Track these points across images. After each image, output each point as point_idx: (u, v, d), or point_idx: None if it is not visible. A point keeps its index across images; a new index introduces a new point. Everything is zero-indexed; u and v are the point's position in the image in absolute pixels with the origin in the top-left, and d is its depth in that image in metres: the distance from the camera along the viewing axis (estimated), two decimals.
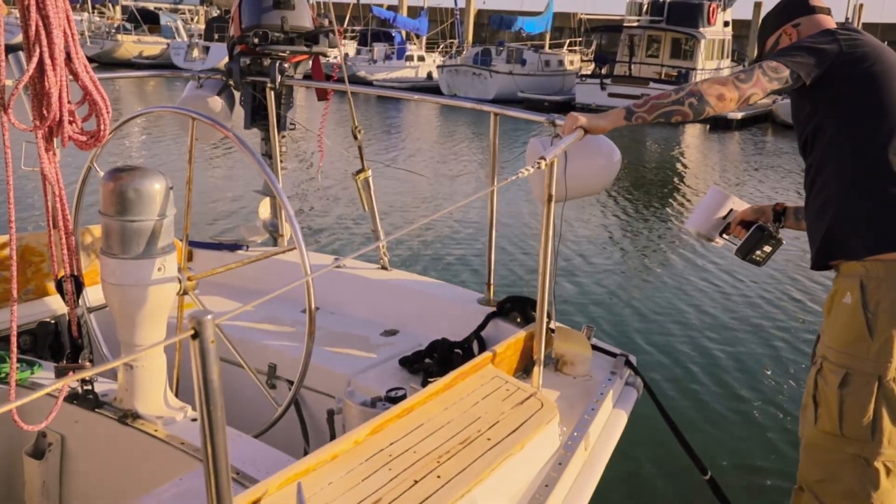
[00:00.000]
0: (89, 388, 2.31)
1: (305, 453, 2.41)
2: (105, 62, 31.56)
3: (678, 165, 16.93)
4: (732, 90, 2.25)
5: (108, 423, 2.25)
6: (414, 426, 1.97)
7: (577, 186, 2.52)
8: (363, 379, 2.79)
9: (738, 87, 2.25)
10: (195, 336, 1.02)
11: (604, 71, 27.16)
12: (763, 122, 24.43)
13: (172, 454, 2.14)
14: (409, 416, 2.01)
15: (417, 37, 36.03)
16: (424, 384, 2.60)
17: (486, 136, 3.04)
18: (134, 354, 2.19)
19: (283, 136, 3.76)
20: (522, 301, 3.01)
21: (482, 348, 2.87)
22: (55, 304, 3.05)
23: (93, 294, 2.96)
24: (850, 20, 24.65)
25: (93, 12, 38.19)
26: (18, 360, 2.34)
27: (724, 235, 2.85)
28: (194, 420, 2.28)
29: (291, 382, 2.61)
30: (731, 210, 2.83)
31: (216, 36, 31.29)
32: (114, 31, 35.76)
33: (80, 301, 2.31)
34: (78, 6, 36.07)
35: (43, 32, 1.86)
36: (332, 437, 2.67)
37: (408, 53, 33.48)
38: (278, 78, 3.52)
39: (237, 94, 3.76)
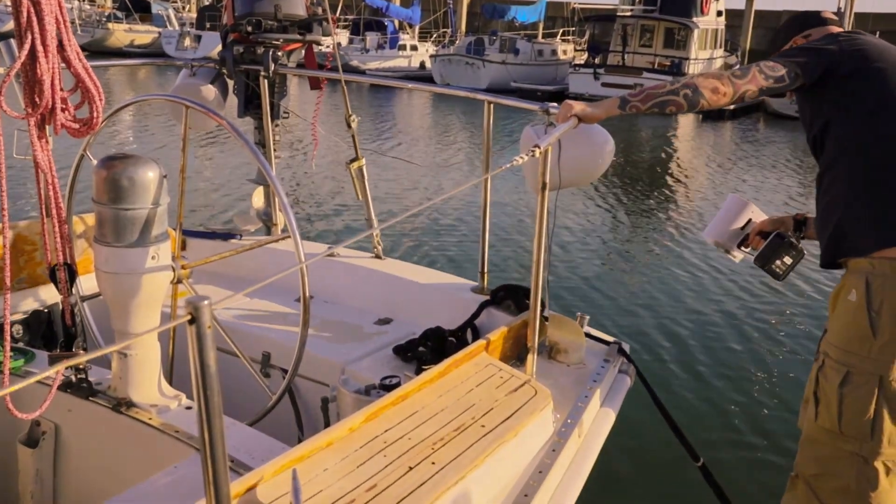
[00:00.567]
0: (83, 376, 2.31)
1: (299, 441, 2.42)
2: (95, 51, 31.35)
3: (671, 155, 16.96)
4: (727, 85, 2.26)
5: (102, 411, 2.25)
6: (408, 413, 1.98)
7: (571, 175, 2.52)
8: (357, 367, 2.79)
9: (732, 83, 2.27)
10: (192, 321, 1.02)
11: (597, 60, 27.14)
12: (755, 113, 24.47)
13: (167, 442, 2.14)
14: (403, 403, 2.02)
15: (410, 26, 35.90)
16: (418, 372, 2.61)
17: (480, 125, 3.03)
18: (128, 341, 2.19)
19: (277, 125, 3.75)
20: (516, 289, 3.01)
21: (476, 337, 2.88)
22: (48, 293, 3.04)
23: (86, 283, 2.95)
24: (841, 10, 24.65)
25: (83, 0, 37.94)
26: (11, 350, 2.34)
27: (743, 248, 2.79)
28: (189, 408, 2.28)
29: (286, 371, 2.62)
30: (750, 221, 2.77)
31: (208, 25, 31.10)
32: (104, 19, 35.55)
33: (73, 290, 2.30)
34: None
35: (35, 19, 1.85)
36: (327, 425, 2.68)
37: (400, 43, 33.39)
38: (272, 66, 3.51)
39: (230, 83, 3.74)
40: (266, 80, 3.57)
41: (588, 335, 2.80)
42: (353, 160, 3.53)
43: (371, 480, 1.70)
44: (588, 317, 2.84)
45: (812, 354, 2.47)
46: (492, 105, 2.95)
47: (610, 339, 2.88)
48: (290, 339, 2.71)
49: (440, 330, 2.91)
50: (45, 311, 3.03)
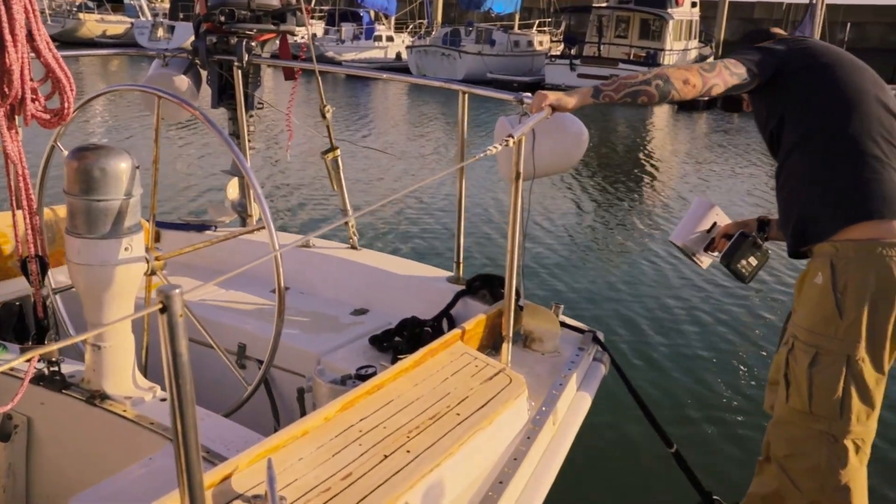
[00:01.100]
0: (56, 369, 2.29)
1: (275, 432, 2.42)
2: (66, 41, 30.89)
3: (646, 146, 17.06)
4: (697, 77, 2.34)
5: (75, 404, 2.24)
6: (384, 402, 1.99)
7: (545, 164, 2.54)
8: (333, 358, 2.80)
9: (702, 76, 2.35)
10: (163, 310, 1.02)
11: (573, 52, 27.19)
12: None
13: (142, 434, 2.13)
14: (379, 392, 2.03)
15: (386, 17, 35.71)
16: (394, 362, 2.62)
17: (455, 116, 3.04)
18: (99, 329, 2.17)
19: (251, 116, 3.73)
20: (491, 279, 3.03)
21: (451, 326, 2.89)
22: (19, 286, 3.01)
23: (58, 276, 2.92)
24: (813, 1, 24.89)
25: None
26: None
27: (710, 252, 2.85)
28: (163, 400, 2.28)
29: (261, 362, 2.61)
30: (715, 224, 2.84)
31: (181, 15, 30.74)
32: (75, 9, 35.01)
33: (45, 282, 2.28)
34: None
35: (3, 8, 1.83)
36: (303, 415, 2.68)
37: (376, 34, 33.21)
38: (245, 56, 3.49)
39: (203, 73, 3.71)
40: (240, 71, 3.55)
41: (563, 324, 2.82)
42: (328, 150, 3.52)
43: (346, 469, 1.70)
44: (563, 306, 2.87)
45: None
46: (466, 95, 2.95)
47: (584, 327, 2.91)
48: (265, 330, 2.71)
49: (416, 320, 2.92)
50: (17, 303, 3.00)
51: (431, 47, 28.97)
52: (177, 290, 1.03)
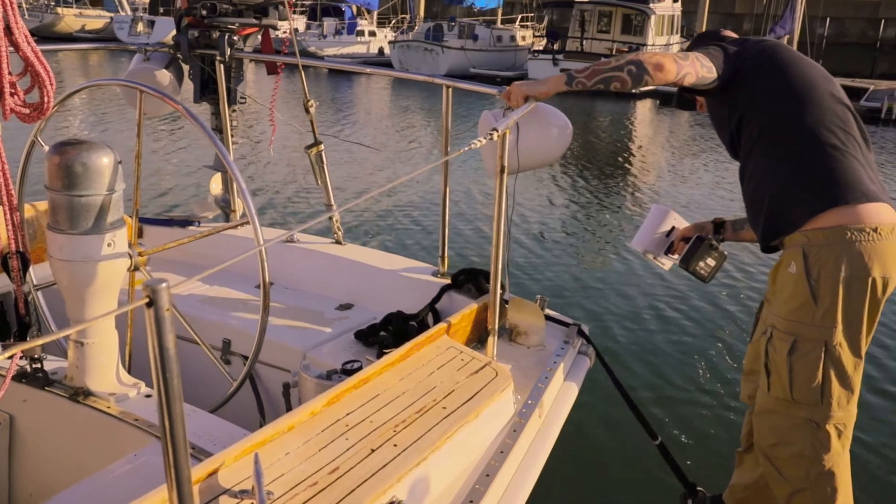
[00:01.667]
0: (38, 366, 2.27)
1: (261, 427, 2.41)
2: (45, 36, 30.53)
3: (630, 139, 17.13)
4: (672, 63, 2.35)
5: (58, 401, 2.22)
6: (370, 396, 1.99)
7: (529, 158, 2.54)
8: (318, 353, 2.79)
9: (676, 62, 2.36)
10: (150, 304, 1.02)
11: (556, 46, 27.23)
12: None
13: (126, 431, 2.12)
14: (365, 386, 2.03)
15: (368, 12, 35.59)
16: (380, 357, 2.61)
17: (439, 110, 3.04)
18: (84, 325, 2.16)
19: (234, 111, 3.70)
20: (476, 273, 3.03)
21: (437, 320, 2.89)
22: (0, 282, 2.98)
23: (39, 272, 2.90)
24: None
25: None
26: None
27: (670, 255, 2.92)
28: (148, 396, 2.26)
29: (246, 358, 2.60)
30: (674, 228, 2.92)
31: (161, 10, 30.50)
32: (53, 3, 34.62)
33: (26, 278, 2.26)
34: None
35: None
36: (288, 410, 2.67)
37: (358, 28, 33.09)
38: (228, 51, 3.46)
39: (185, 68, 3.69)
40: (222, 65, 3.52)
41: (548, 317, 2.83)
42: (311, 145, 3.50)
43: (333, 463, 1.70)
44: (548, 299, 2.87)
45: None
46: (450, 89, 2.95)
47: (569, 320, 2.92)
48: (250, 326, 2.70)
49: (401, 314, 2.92)
50: None
51: (414, 42, 28.93)
52: (163, 284, 1.03)
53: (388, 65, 27.99)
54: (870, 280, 2.21)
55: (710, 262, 2.78)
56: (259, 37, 3.77)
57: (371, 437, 1.82)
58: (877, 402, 4.70)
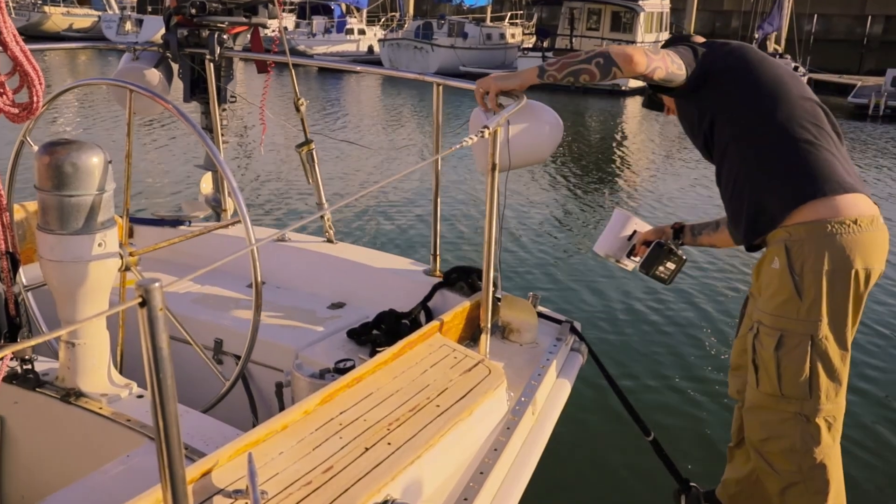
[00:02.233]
0: (29, 367, 2.26)
1: (254, 427, 2.41)
2: (32, 35, 30.34)
3: (620, 137, 17.17)
4: (642, 56, 2.36)
5: (49, 402, 2.21)
6: (363, 395, 1.99)
7: (521, 155, 2.54)
8: (311, 352, 2.79)
9: (647, 56, 2.37)
10: (143, 304, 1.01)
11: (545, 44, 27.27)
12: None
13: (118, 431, 2.11)
14: (358, 385, 2.03)
15: (357, 10, 35.54)
16: (373, 355, 2.61)
17: (430, 109, 3.04)
18: (76, 325, 2.15)
19: (224, 110, 3.69)
20: (468, 271, 3.03)
21: (429, 319, 2.89)
22: None
23: (29, 273, 2.88)
24: None
25: None
26: None
27: (633, 257, 2.99)
28: (140, 397, 2.26)
29: (238, 357, 2.60)
30: (636, 231, 2.98)
31: (149, 9, 30.38)
32: (40, 2, 34.41)
33: (16, 279, 2.25)
34: None
35: None
36: (281, 410, 2.67)
37: (348, 27, 33.05)
38: (217, 50, 3.45)
39: (175, 67, 3.67)
40: (212, 64, 3.51)
41: (540, 315, 2.83)
42: (302, 144, 3.50)
43: (327, 462, 1.70)
44: (540, 296, 2.88)
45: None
46: (441, 87, 2.95)
47: (562, 318, 2.92)
48: (242, 326, 2.69)
49: (393, 313, 2.92)
50: None
51: (404, 40, 28.90)
52: (157, 284, 1.02)
53: (377, 63, 27.94)
54: (853, 272, 2.23)
55: (670, 265, 2.86)
56: (248, 35, 3.76)
57: (365, 435, 1.82)
58: (865, 394, 4.72)
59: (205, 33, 3.49)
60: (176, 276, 3.34)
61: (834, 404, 2.32)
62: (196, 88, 3.63)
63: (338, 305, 3.23)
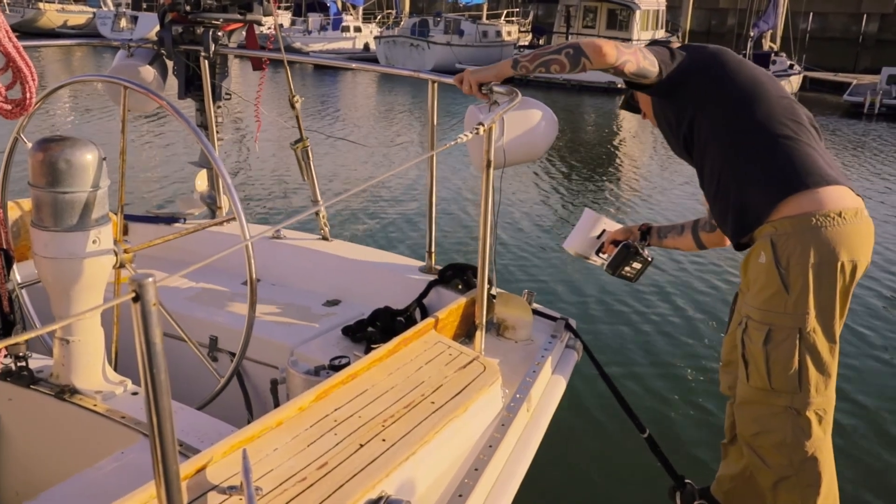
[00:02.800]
0: (24, 364, 2.26)
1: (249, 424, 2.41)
2: (26, 32, 30.25)
3: (614, 135, 17.19)
4: (611, 48, 2.37)
5: (44, 399, 2.21)
6: (358, 392, 1.99)
7: (516, 152, 2.54)
8: (306, 349, 2.79)
9: (617, 48, 2.38)
10: (136, 299, 1.01)
11: (541, 42, 27.28)
12: None
13: (113, 428, 2.11)
14: (353, 382, 2.03)
15: (354, 7, 35.50)
16: (367, 352, 2.61)
17: (425, 106, 3.04)
18: (70, 319, 2.14)
19: (219, 107, 3.68)
20: (463, 268, 3.03)
21: (424, 316, 2.89)
22: None
23: (23, 271, 2.87)
24: None
25: None
26: None
27: (601, 254, 3.04)
28: (135, 394, 2.25)
29: (233, 354, 2.59)
30: (604, 230, 3.03)
31: (144, 5, 30.29)
32: None
33: (10, 276, 2.25)
34: None
35: None
36: (276, 407, 2.67)
37: (344, 24, 33.01)
38: (212, 46, 3.45)
39: (170, 64, 3.66)
40: (207, 61, 3.50)
41: (535, 312, 2.84)
42: (297, 141, 3.49)
43: (322, 458, 1.70)
44: (535, 293, 2.88)
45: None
46: (436, 84, 2.95)
47: (557, 315, 2.93)
48: (237, 323, 2.69)
49: (389, 310, 2.92)
50: None
51: (400, 38, 28.87)
52: (150, 279, 1.02)
53: (373, 60, 27.91)
54: (838, 265, 2.24)
55: (636, 265, 2.93)
56: (243, 33, 3.75)
57: (360, 432, 1.82)
58: (855, 387, 4.74)
59: (199, 30, 3.48)
60: (170, 273, 3.33)
61: (824, 397, 2.33)
62: (191, 85, 3.63)
63: (333, 302, 3.23)
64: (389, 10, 38.04)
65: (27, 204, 2.98)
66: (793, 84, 24.61)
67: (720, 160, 2.44)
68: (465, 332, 2.62)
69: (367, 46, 31.75)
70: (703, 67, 2.48)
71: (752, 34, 25.45)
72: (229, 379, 2.57)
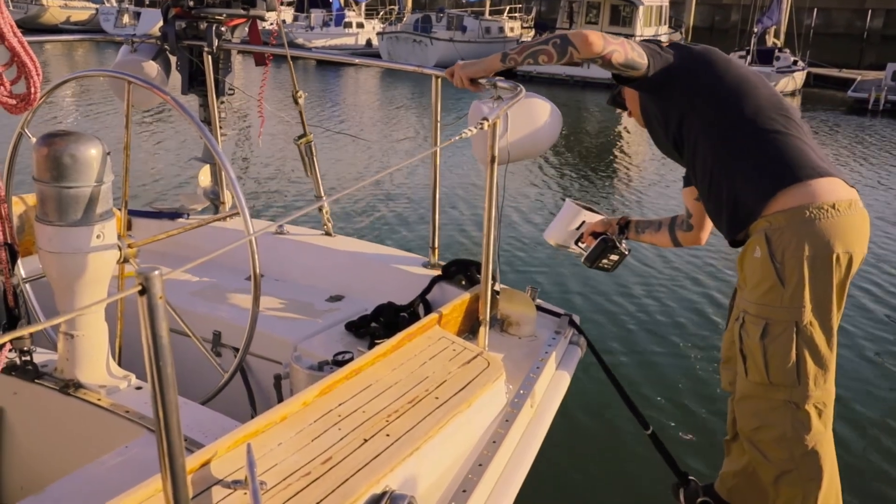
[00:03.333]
0: (28, 358, 2.26)
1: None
2: (29, 28, 30.22)
3: (618, 131, 17.15)
4: (599, 39, 2.37)
5: (48, 393, 2.21)
6: (362, 387, 1.99)
7: (520, 148, 2.54)
8: (309, 344, 2.79)
9: (604, 39, 2.38)
10: (143, 292, 1.01)
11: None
12: None
13: (117, 423, 2.11)
14: (357, 377, 2.03)
15: (356, 3, 35.45)
16: (371, 348, 2.61)
17: (428, 101, 3.04)
18: (74, 313, 2.14)
19: (222, 102, 3.68)
20: (467, 264, 3.03)
21: (428, 311, 2.89)
22: None
23: (28, 265, 2.88)
24: None
25: None
26: None
27: (580, 244, 3.07)
28: (139, 388, 2.26)
29: (237, 350, 2.60)
30: (584, 222, 3.05)
31: (146, 1, 30.29)
32: None
33: (14, 270, 2.25)
34: None
35: None
36: (280, 402, 2.67)
37: (346, 20, 32.97)
38: (215, 42, 3.44)
39: (173, 59, 3.66)
40: (210, 56, 3.50)
41: (539, 308, 2.83)
42: (301, 136, 3.49)
43: (326, 453, 1.70)
44: (538, 289, 2.88)
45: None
46: (440, 79, 2.94)
47: (560, 311, 2.92)
48: (240, 318, 2.69)
49: (392, 305, 2.92)
50: None
51: (402, 34, 28.85)
52: (156, 272, 1.02)
53: (376, 57, 27.87)
54: (833, 257, 2.23)
55: (613, 258, 2.98)
56: (247, 28, 3.75)
57: (364, 427, 1.82)
58: (853, 379, 4.74)
59: (203, 25, 3.48)
60: (174, 268, 3.33)
61: (823, 390, 2.33)
62: (194, 81, 3.63)
63: (336, 298, 3.23)
64: (392, 6, 38.00)
65: (32, 199, 2.99)
66: (797, 80, 24.57)
67: (711, 158, 2.44)
68: (469, 328, 2.62)
69: (369, 42, 31.72)
70: (691, 66, 2.49)
71: (755, 30, 25.41)
72: (233, 374, 2.58)
